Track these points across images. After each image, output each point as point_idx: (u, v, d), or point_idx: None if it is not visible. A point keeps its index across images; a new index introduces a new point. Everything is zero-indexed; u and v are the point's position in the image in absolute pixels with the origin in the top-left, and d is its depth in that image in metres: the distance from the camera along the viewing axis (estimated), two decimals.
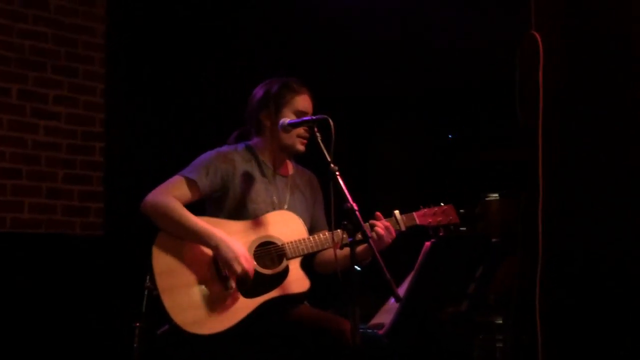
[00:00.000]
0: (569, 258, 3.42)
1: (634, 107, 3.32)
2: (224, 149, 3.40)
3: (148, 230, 3.24)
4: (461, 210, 3.44)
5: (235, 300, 3.16)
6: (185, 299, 3.13)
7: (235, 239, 3.19)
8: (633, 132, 3.32)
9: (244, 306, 3.16)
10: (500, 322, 3.89)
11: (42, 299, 4.97)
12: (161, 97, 5.44)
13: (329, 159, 2.97)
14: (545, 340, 3.37)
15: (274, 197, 3.37)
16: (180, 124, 5.39)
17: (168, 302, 3.11)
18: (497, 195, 4.20)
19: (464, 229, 3.83)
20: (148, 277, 3.18)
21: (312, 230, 3.48)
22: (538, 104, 3.45)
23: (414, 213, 3.37)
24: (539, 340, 3.37)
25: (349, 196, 2.87)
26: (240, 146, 3.42)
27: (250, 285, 3.17)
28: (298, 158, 3.50)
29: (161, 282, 3.13)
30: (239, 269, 3.13)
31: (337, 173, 2.93)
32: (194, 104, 5.38)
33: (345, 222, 2.83)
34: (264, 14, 5.25)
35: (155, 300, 3.13)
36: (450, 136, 5.02)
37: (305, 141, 3.35)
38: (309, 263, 3.36)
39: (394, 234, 3.24)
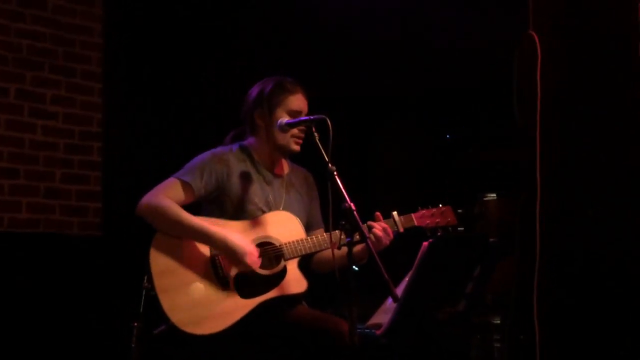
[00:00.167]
0: (567, 258, 3.42)
1: (633, 107, 3.32)
2: (219, 150, 3.39)
3: (146, 230, 3.23)
4: (459, 210, 3.44)
5: (232, 300, 3.16)
6: (182, 299, 3.12)
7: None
8: (633, 132, 3.32)
9: (242, 306, 3.15)
10: (498, 322, 3.90)
11: (40, 299, 4.96)
12: (159, 96, 5.44)
13: (327, 159, 2.96)
14: (543, 340, 3.37)
15: (270, 197, 3.36)
16: (178, 123, 5.39)
17: (165, 302, 3.11)
18: (495, 195, 4.20)
19: (462, 229, 3.83)
20: (146, 277, 3.18)
21: (308, 228, 3.48)
22: (536, 104, 3.45)
23: (412, 214, 3.37)
24: (537, 340, 3.37)
25: (346, 196, 2.86)
26: (235, 147, 3.41)
27: (248, 285, 3.17)
28: (295, 157, 3.49)
29: (159, 282, 3.13)
30: (248, 261, 3.12)
31: (335, 173, 2.93)
32: (192, 104, 5.38)
33: (343, 222, 2.83)
34: (264, 14, 5.25)
35: (153, 300, 3.13)
36: (448, 136, 5.02)
37: (300, 141, 3.35)
38: (306, 263, 3.35)
39: (391, 235, 3.23)
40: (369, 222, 3.22)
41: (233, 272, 3.19)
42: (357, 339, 2.70)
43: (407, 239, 3.35)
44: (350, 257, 2.79)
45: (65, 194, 5.35)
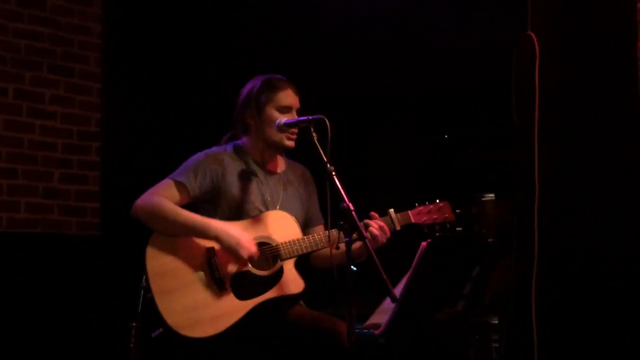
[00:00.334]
0: (566, 258, 3.43)
1: (632, 107, 3.32)
2: (213, 150, 3.38)
3: (145, 231, 3.23)
4: (457, 210, 3.43)
5: (229, 302, 3.15)
6: (179, 302, 3.12)
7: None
8: (632, 132, 3.32)
9: (238, 308, 3.14)
10: (496, 322, 3.90)
11: (38, 299, 4.96)
12: (158, 96, 5.44)
13: (325, 159, 2.96)
14: (541, 340, 3.37)
15: (267, 195, 3.35)
16: (177, 123, 5.39)
17: (162, 305, 3.10)
18: (493, 195, 4.20)
19: (460, 228, 3.83)
20: (144, 277, 3.18)
21: (307, 224, 3.47)
22: (534, 104, 3.46)
23: (409, 211, 3.35)
24: (535, 340, 3.37)
25: (345, 196, 2.86)
26: (229, 146, 3.40)
27: (245, 286, 3.16)
28: (293, 155, 3.49)
29: (155, 285, 3.12)
30: (245, 254, 3.12)
31: (334, 173, 2.93)
32: (191, 104, 5.38)
33: (341, 222, 2.83)
34: (264, 14, 5.25)
35: (150, 302, 3.12)
36: (446, 136, 5.02)
37: (292, 136, 3.32)
38: (303, 262, 3.34)
39: (388, 233, 3.22)
40: (366, 221, 3.21)
41: (229, 273, 3.18)
42: (356, 339, 2.70)
43: (405, 238, 3.35)
44: (349, 257, 2.78)
45: (63, 194, 5.35)
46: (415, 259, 3.11)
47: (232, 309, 3.14)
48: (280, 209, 3.35)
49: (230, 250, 3.14)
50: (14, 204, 5.15)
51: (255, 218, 3.29)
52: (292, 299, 3.26)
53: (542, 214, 3.41)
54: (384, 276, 2.70)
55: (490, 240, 3.42)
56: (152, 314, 3.13)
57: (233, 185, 3.31)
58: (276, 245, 3.24)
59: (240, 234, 3.15)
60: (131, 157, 5.42)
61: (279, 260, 3.23)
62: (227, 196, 3.30)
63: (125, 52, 5.52)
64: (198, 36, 5.38)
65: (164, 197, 3.22)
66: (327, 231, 3.28)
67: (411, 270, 3.13)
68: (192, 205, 3.33)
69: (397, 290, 3.11)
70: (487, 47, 4.49)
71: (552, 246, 3.41)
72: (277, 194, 3.38)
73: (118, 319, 3.67)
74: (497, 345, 3.92)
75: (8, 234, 5.08)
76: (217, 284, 3.16)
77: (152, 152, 5.29)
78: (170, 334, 3.09)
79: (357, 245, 3.10)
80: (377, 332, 3.18)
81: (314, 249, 3.26)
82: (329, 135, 2.96)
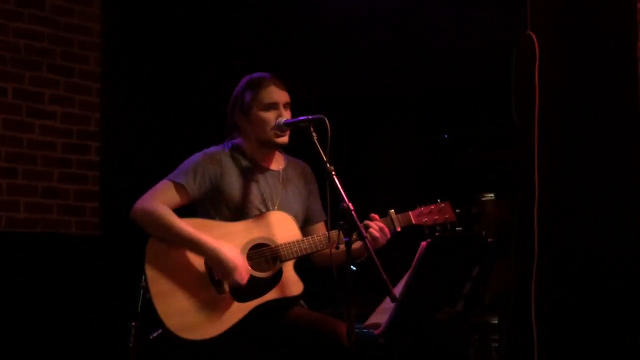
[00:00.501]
0: (565, 258, 3.43)
1: (632, 107, 3.32)
2: (211, 149, 3.37)
3: (144, 230, 3.23)
4: (457, 210, 3.42)
5: (228, 304, 3.13)
6: (177, 304, 3.11)
7: (227, 242, 3.16)
8: (632, 132, 3.32)
9: (237, 310, 3.13)
10: (496, 322, 3.89)
11: (37, 299, 4.96)
12: (158, 96, 5.43)
13: (325, 159, 2.96)
14: (541, 340, 3.37)
15: (265, 194, 3.33)
16: (177, 123, 5.38)
17: (160, 307, 3.09)
18: (492, 195, 4.20)
19: (460, 228, 3.82)
20: (144, 277, 3.17)
21: (308, 221, 3.46)
22: (534, 104, 3.46)
23: (410, 212, 3.34)
24: (534, 340, 3.37)
25: (345, 196, 2.86)
26: (227, 146, 3.39)
27: (244, 288, 3.16)
28: (292, 153, 3.48)
29: (153, 287, 3.11)
30: (232, 284, 3.11)
31: (333, 173, 2.92)
32: (191, 104, 5.37)
33: (341, 222, 2.82)
34: (264, 14, 5.24)
35: (148, 305, 3.12)
36: (446, 136, 5.01)
37: (283, 134, 3.29)
38: (302, 263, 3.33)
39: (388, 234, 3.21)
40: (366, 222, 3.19)
41: None
42: (355, 339, 2.69)
43: (405, 238, 3.34)
44: (349, 257, 2.78)
45: (63, 194, 5.35)
46: (415, 258, 3.11)
47: (230, 311, 3.13)
48: (280, 206, 3.34)
49: (220, 275, 3.12)
50: (13, 203, 5.15)
51: (255, 219, 3.27)
52: (291, 301, 3.25)
53: (542, 214, 3.41)
54: (384, 276, 2.70)
55: (489, 240, 3.42)
56: (152, 314, 3.13)
57: (231, 184, 3.30)
58: (275, 247, 3.22)
59: (233, 257, 3.11)
60: (131, 157, 5.42)
61: (278, 262, 3.22)
62: (226, 196, 3.29)
63: (124, 51, 5.52)
64: (198, 36, 5.38)
65: (163, 201, 3.20)
66: (327, 232, 3.27)
67: (411, 270, 3.13)
68: (191, 205, 3.32)
69: (397, 290, 3.10)
70: (487, 47, 4.48)
71: (552, 246, 3.41)
72: (276, 191, 3.37)
73: (117, 319, 3.67)
74: (496, 345, 3.91)
75: (7, 233, 5.08)
76: (216, 286, 3.14)
77: (152, 151, 5.29)
78: (169, 336, 3.09)
79: (357, 244, 3.09)
80: (376, 332, 3.18)
81: (314, 250, 3.24)
82: (329, 135, 2.96)
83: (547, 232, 3.41)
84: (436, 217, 3.35)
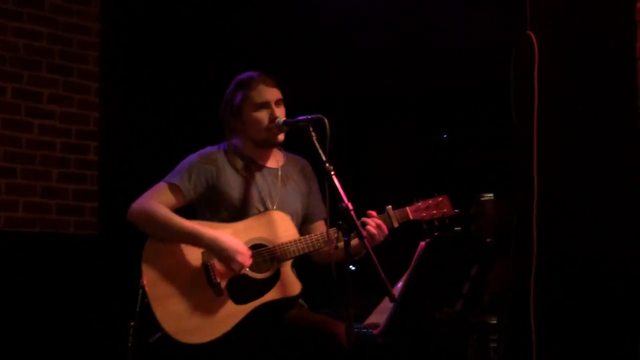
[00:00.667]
0: (565, 258, 3.42)
1: (632, 107, 3.32)
2: (207, 150, 3.36)
3: (141, 231, 3.22)
4: (456, 210, 3.41)
5: (226, 306, 3.13)
6: (175, 308, 3.10)
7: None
8: (631, 132, 3.32)
9: (235, 313, 3.12)
10: (495, 322, 3.89)
11: (36, 299, 4.96)
12: (157, 96, 5.43)
13: (324, 159, 2.95)
14: (540, 340, 3.37)
15: (264, 192, 3.32)
16: (176, 123, 5.38)
17: (158, 311, 3.09)
18: (492, 195, 4.20)
19: (459, 228, 3.82)
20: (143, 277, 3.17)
21: (308, 219, 3.45)
22: (534, 104, 3.45)
23: (407, 208, 3.30)
24: (533, 340, 3.37)
25: (344, 196, 2.86)
26: (223, 146, 3.37)
27: (242, 290, 3.15)
28: (291, 152, 3.48)
29: (151, 291, 3.11)
30: (236, 268, 3.11)
31: (332, 172, 2.92)
32: (190, 104, 5.37)
33: (340, 222, 2.82)
34: (264, 14, 5.24)
35: (147, 309, 3.11)
36: (445, 136, 5.01)
37: (277, 132, 3.28)
38: (303, 260, 3.32)
39: (386, 231, 3.20)
40: (363, 219, 3.17)
41: (225, 278, 3.15)
42: (354, 339, 2.69)
43: (404, 237, 3.34)
44: (348, 257, 2.78)
45: (62, 194, 5.35)
46: (414, 258, 3.11)
47: (229, 313, 3.12)
48: (279, 205, 3.33)
49: (224, 260, 3.12)
50: (12, 203, 5.15)
51: (252, 219, 3.26)
52: (290, 301, 3.23)
53: (541, 214, 3.41)
54: (383, 276, 2.69)
55: (488, 240, 3.42)
56: (150, 317, 3.12)
57: (228, 184, 3.29)
58: (273, 247, 3.21)
59: (234, 243, 3.12)
60: (130, 157, 5.41)
61: (275, 262, 3.21)
62: (223, 196, 3.28)
63: (123, 51, 5.52)
64: (197, 36, 5.38)
65: (159, 202, 3.20)
66: (324, 231, 3.26)
67: (410, 269, 3.13)
68: (190, 206, 3.32)
69: (396, 290, 3.10)
70: (486, 47, 4.48)
71: (551, 246, 3.41)
72: (275, 190, 3.35)
73: (117, 319, 3.67)
74: (495, 345, 3.91)
75: (6, 233, 5.07)
76: (214, 288, 3.13)
77: (151, 151, 5.29)
78: (168, 339, 3.08)
79: (355, 241, 3.08)
80: (375, 331, 3.18)
81: (311, 249, 3.23)
82: (328, 134, 2.95)
83: (546, 232, 3.40)
84: (434, 211, 3.32)
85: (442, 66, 4.82)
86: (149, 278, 3.12)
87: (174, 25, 5.42)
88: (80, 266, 5.14)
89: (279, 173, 3.39)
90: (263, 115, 3.27)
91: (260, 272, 3.19)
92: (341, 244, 2.83)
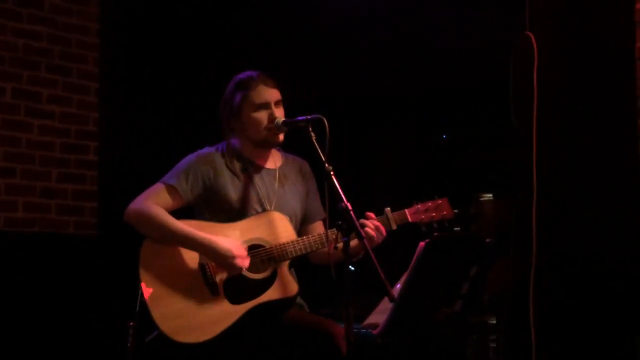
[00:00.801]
0: (564, 258, 3.43)
1: (631, 107, 3.33)
2: (204, 151, 3.35)
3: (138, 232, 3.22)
4: (456, 210, 3.41)
5: (222, 306, 3.12)
6: (172, 307, 3.10)
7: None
8: (631, 132, 3.32)
9: (232, 313, 3.12)
10: (494, 322, 3.89)
11: (36, 299, 4.95)
12: (156, 96, 5.43)
13: (323, 159, 2.95)
14: (539, 340, 3.37)
15: (262, 193, 3.31)
16: (175, 123, 5.38)
17: (155, 310, 3.09)
18: (491, 195, 4.19)
19: (458, 228, 3.82)
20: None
21: (307, 219, 3.44)
22: (532, 104, 3.45)
23: (406, 210, 3.30)
24: (532, 340, 3.37)
25: (343, 196, 2.85)
26: (221, 146, 3.37)
27: (238, 290, 3.15)
28: (290, 152, 3.48)
29: (148, 291, 3.11)
30: (234, 271, 3.11)
31: (332, 173, 2.92)
32: (189, 104, 5.37)
33: (339, 222, 2.82)
34: (264, 14, 5.24)
35: (143, 308, 3.11)
36: (444, 136, 5.01)
37: (277, 132, 3.27)
38: (301, 260, 3.32)
39: (384, 233, 3.20)
40: (362, 220, 3.17)
41: (222, 278, 3.16)
42: (354, 339, 2.69)
43: (403, 238, 3.34)
44: (347, 257, 2.78)
45: (61, 194, 5.35)
46: (414, 258, 3.11)
47: (225, 313, 3.12)
48: (277, 206, 3.32)
49: (221, 264, 3.12)
50: (11, 203, 5.15)
51: (250, 219, 3.26)
52: (286, 302, 3.23)
53: (541, 214, 3.41)
54: (382, 276, 2.69)
55: (488, 240, 3.42)
56: (147, 317, 3.12)
57: (226, 185, 3.28)
58: (270, 248, 3.21)
59: (231, 246, 3.12)
60: (129, 157, 5.41)
61: (273, 263, 3.21)
62: (221, 197, 3.27)
63: (123, 51, 5.52)
64: (197, 36, 5.38)
65: (155, 203, 3.20)
66: (322, 232, 3.25)
67: (409, 270, 3.13)
68: (188, 207, 3.32)
69: (395, 290, 3.10)
70: (486, 47, 4.48)
71: (551, 246, 3.41)
72: (272, 190, 3.35)
73: (116, 319, 3.67)
74: (495, 345, 3.91)
75: (6, 233, 5.07)
76: (210, 288, 3.13)
77: (151, 151, 5.28)
78: (164, 339, 3.08)
79: (353, 242, 3.07)
80: (375, 332, 3.18)
81: (308, 250, 3.23)
82: (327, 135, 2.95)
83: (545, 232, 3.40)
84: (433, 214, 3.32)
85: (442, 66, 4.82)
86: (146, 278, 3.12)
87: (173, 25, 5.42)
88: (79, 266, 5.13)
89: (277, 174, 3.39)
90: (262, 116, 3.27)
91: (257, 272, 3.19)
92: (340, 245, 2.83)
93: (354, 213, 2.83)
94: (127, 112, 5.46)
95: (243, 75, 3.34)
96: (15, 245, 5.03)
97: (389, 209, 3.27)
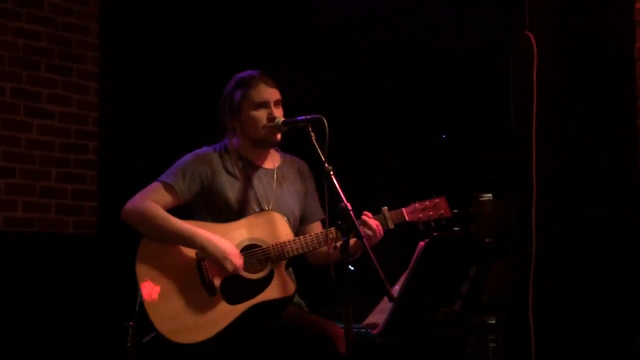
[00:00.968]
0: (563, 258, 3.43)
1: (631, 107, 3.33)
2: (202, 150, 3.35)
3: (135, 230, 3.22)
4: (455, 211, 3.40)
5: (219, 307, 3.12)
6: (169, 308, 3.10)
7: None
8: (630, 132, 3.33)
9: (229, 313, 3.12)
10: (493, 322, 3.89)
11: (35, 299, 4.95)
12: (156, 95, 5.43)
13: (323, 159, 2.95)
14: (539, 340, 3.37)
15: (259, 193, 3.31)
16: (175, 123, 5.38)
17: (152, 311, 3.08)
18: (490, 195, 4.19)
19: (458, 228, 3.81)
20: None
21: (305, 220, 3.44)
22: (532, 104, 3.46)
23: (403, 209, 3.28)
24: (532, 340, 3.37)
25: (342, 196, 2.85)
26: (219, 146, 3.37)
27: (235, 290, 3.14)
28: (289, 152, 3.47)
29: (145, 291, 3.11)
30: (230, 267, 3.11)
31: (332, 172, 2.92)
32: (189, 103, 5.37)
33: (339, 222, 2.82)
34: (264, 14, 5.24)
35: (142, 308, 3.11)
36: (444, 136, 5.01)
37: (275, 132, 3.27)
38: (299, 260, 3.32)
39: (382, 232, 3.20)
40: (360, 218, 3.16)
41: (219, 278, 3.15)
42: (353, 339, 2.69)
43: (403, 237, 3.33)
44: (347, 257, 2.78)
45: (61, 193, 5.35)
46: (413, 258, 3.11)
47: (222, 313, 3.11)
48: (274, 205, 3.32)
49: (216, 262, 3.12)
50: (11, 203, 5.15)
51: (247, 219, 3.25)
52: (283, 302, 3.22)
53: (540, 214, 3.41)
54: (382, 276, 2.69)
55: (487, 240, 3.42)
56: (144, 315, 3.12)
57: (223, 185, 3.28)
58: (267, 248, 3.20)
59: (226, 246, 3.12)
60: (129, 157, 5.41)
61: (269, 263, 3.20)
62: (218, 197, 3.27)
63: (123, 51, 5.51)
64: (197, 35, 5.37)
65: (153, 201, 3.19)
66: (319, 232, 3.25)
67: (409, 269, 3.13)
68: (186, 207, 3.31)
69: (395, 290, 3.10)
70: (486, 47, 4.48)
71: (550, 246, 3.41)
72: (270, 190, 3.34)
73: (116, 319, 3.67)
74: (494, 345, 3.91)
75: (5, 233, 5.07)
76: (207, 288, 3.13)
77: (150, 151, 5.28)
78: (161, 339, 3.08)
79: (352, 242, 3.06)
80: (374, 331, 3.18)
81: (305, 250, 3.22)
82: (327, 134, 2.95)
83: (545, 232, 3.41)
84: (430, 213, 3.30)
85: (442, 66, 4.82)
86: (143, 278, 3.12)
87: (173, 25, 5.42)
88: (79, 266, 5.13)
89: (275, 174, 3.38)
90: (261, 115, 3.27)
91: (254, 272, 3.19)
92: (339, 244, 2.83)
93: (354, 213, 2.83)
94: (127, 112, 5.46)
95: (244, 73, 3.34)
96: (14, 245, 5.03)
97: (386, 208, 3.26)
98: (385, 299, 2.76)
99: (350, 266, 2.81)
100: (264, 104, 3.27)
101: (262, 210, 3.30)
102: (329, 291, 3.07)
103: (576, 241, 3.40)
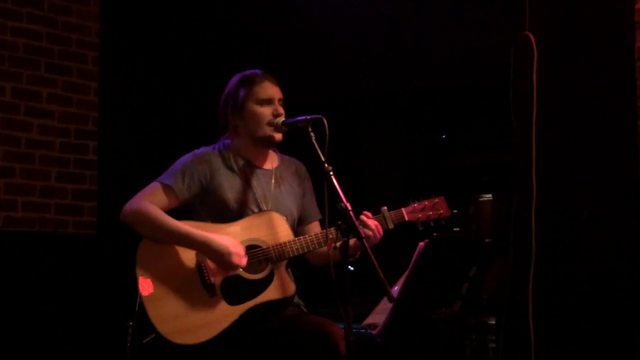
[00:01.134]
0: (563, 258, 3.43)
1: (630, 107, 3.33)
2: (201, 150, 3.34)
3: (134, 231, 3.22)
4: (454, 211, 3.40)
5: (219, 307, 3.11)
6: (169, 308, 3.09)
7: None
8: (629, 133, 3.33)
9: (229, 314, 3.11)
10: (493, 322, 3.89)
11: (35, 299, 4.95)
12: (155, 95, 5.43)
13: (323, 159, 2.95)
14: (538, 340, 3.38)
15: (258, 194, 3.30)
16: (175, 122, 5.38)
17: (152, 311, 3.07)
18: (490, 195, 4.20)
19: (458, 229, 3.82)
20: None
21: (303, 221, 3.44)
22: (532, 103, 3.46)
23: (403, 209, 3.28)
24: (531, 340, 3.37)
25: (342, 196, 2.85)
26: (218, 146, 3.35)
27: (235, 291, 3.14)
28: (289, 153, 3.47)
29: (145, 292, 3.10)
30: (235, 261, 3.09)
31: (331, 173, 2.91)
32: (189, 103, 5.37)
33: (339, 222, 2.82)
34: (263, 14, 5.25)
35: (140, 309, 3.11)
36: (443, 137, 5.01)
37: (277, 131, 3.26)
38: (299, 260, 3.31)
39: (381, 232, 3.20)
40: (360, 218, 3.15)
41: (219, 278, 3.14)
42: (353, 339, 2.69)
43: (403, 238, 3.33)
44: (347, 257, 2.78)
45: (60, 193, 5.35)
46: (413, 259, 3.11)
47: (223, 314, 3.11)
48: (272, 206, 3.31)
49: (219, 260, 3.11)
50: (11, 202, 5.15)
51: (247, 220, 3.24)
52: (284, 302, 3.22)
53: (540, 214, 3.41)
54: (382, 276, 2.69)
55: (487, 240, 3.41)
56: (144, 319, 3.12)
57: (222, 185, 3.27)
58: (267, 248, 3.20)
59: (229, 242, 3.11)
60: (128, 156, 5.41)
61: (269, 264, 3.20)
62: (217, 197, 3.26)
63: (122, 51, 5.52)
64: (197, 35, 5.38)
65: (152, 202, 3.18)
66: (319, 232, 3.25)
67: (408, 270, 3.13)
68: (185, 207, 3.31)
69: (395, 290, 3.10)
70: (486, 47, 4.48)
71: (551, 246, 3.41)
72: (268, 191, 3.33)
73: (115, 319, 3.67)
74: (494, 345, 3.91)
75: (5, 232, 5.07)
76: (208, 289, 3.12)
77: (150, 151, 5.28)
78: (161, 340, 3.08)
79: (351, 242, 3.06)
80: (374, 332, 3.18)
81: (305, 250, 3.22)
82: (327, 135, 2.95)
83: (545, 232, 3.41)
84: (430, 212, 3.30)
85: (441, 66, 4.82)
86: (143, 279, 3.12)
87: (173, 25, 5.42)
88: (79, 266, 5.14)
89: (274, 174, 3.38)
90: (266, 111, 3.26)
91: (254, 273, 3.18)
92: (338, 244, 2.83)
93: (353, 213, 2.83)
94: (126, 112, 5.46)
95: (247, 72, 3.35)
96: (14, 245, 5.03)
97: (385, 208, 3.26)
98: (385, 299, 2.76)
99: (349, 266, 2.81)
100: (269, 101, 3.27)
101: (261, 210, 3.29)
102: (328, 291, 3.07)
103: (576, 241, 3.40)
